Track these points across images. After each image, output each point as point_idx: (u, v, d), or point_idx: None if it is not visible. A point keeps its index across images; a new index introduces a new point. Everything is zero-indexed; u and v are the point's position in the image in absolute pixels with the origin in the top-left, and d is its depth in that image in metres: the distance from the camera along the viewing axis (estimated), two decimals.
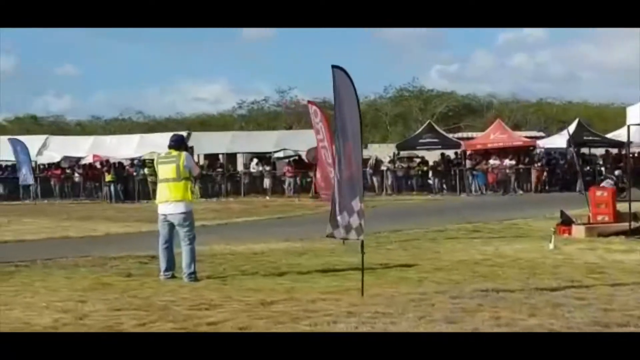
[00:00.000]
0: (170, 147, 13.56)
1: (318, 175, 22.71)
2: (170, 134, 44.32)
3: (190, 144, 46.28)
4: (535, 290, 11.36)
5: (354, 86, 12.02)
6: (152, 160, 48.07)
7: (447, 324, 9.24)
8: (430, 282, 12.47)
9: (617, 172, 41.00)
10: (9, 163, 49.41)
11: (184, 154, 13.40)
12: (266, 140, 50.24)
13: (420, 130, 50.80)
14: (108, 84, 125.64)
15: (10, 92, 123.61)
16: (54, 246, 19.95)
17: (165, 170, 13.35)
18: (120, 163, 49.11)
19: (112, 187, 46.43)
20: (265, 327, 9.25)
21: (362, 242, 11.73)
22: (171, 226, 13.38)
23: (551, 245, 16.57)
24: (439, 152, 48.71)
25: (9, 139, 46.22)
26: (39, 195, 46.75)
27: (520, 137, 49.27)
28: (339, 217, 12.22)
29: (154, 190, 44.60)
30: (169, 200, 13.28)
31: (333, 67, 12.14)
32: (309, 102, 21.03)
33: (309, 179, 46.51)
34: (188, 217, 13.33)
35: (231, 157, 51.31)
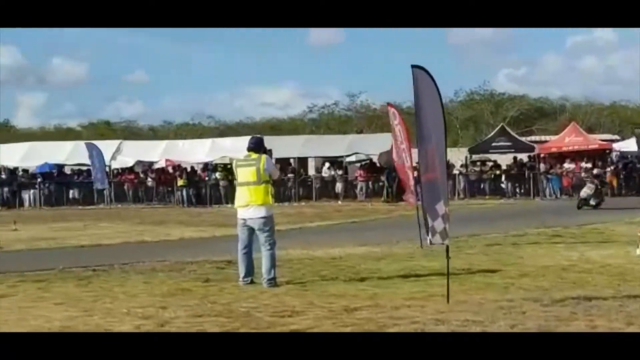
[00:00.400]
0: (249, 149, 13.32)
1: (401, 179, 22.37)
2: (241, 138, 44.32)
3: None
4: (629, 298, 10.94)
5: (436, 86, 11.69)
6: (225, 164, 48.43)
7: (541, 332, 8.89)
8: (517, 289, 12.07)
9: (596, 171, 39.96)
10: (84, 168, 49.83)
11: (264, 156, 13.16)
12: (338, 144, 50.05)
13: (492, 133, 50.16)
14: (178, 90, 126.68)
15: (83, 98, 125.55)
16: (131, 251, 19.91)
17: (245, 174, 13.09)
18: (192, 167, 49.22)
19: (184, 192, 46.63)
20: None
21: (448, 246, 11.39)
22: (251, 231, 13.14)
23: (638, 251, 16.04)
24: (511, 155, 48.02)
25: (85, 144, 46.61)
26: (113, 199, 47.07)
27: (596, 140, 48.45)
28: (425, 220, 11.94)
29: (226, 195, 45.82)
30: (249, 204, 13.02)
31: (413, 66, 11.80)
32: (388, 104, 20.71)
33: (380, 183, 46.21)
34: (269, 221, 13.09)
35: (303, 161, 51.22)
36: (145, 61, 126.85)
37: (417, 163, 12.27)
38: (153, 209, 42.75)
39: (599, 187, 33.72)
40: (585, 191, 33.12)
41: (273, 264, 12.98)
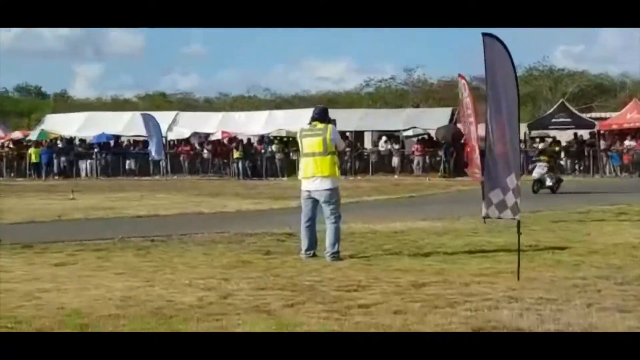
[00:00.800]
0: (314, 119, 12.97)
1: (467, 152, 22.00)
2: (298, 111, 44.41)
3: None
4: None
5: (509, 55, 11.28)
6: (281, 137, 48.25)
7: (619, 312, 8.50)
8: (588, 267, 11.64)
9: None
10: (140, 139, 49.91)
11: (330, 126, 12.82)
12: (395, 119, 49.64)
13: (552, 109, 49.40)
14: (234, 62, 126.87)
15: (139, 70, 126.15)
16: (188, 222, 19.77)
17: (310, 144, 12.75)
18: (248, 140, 49.06)
19: (240, 164, 46.50)
20: (421, 311, 8.65)
21: (519, 222, 11.02)
22: (315, 203, 12.83)
23: None
24: (570, 132, 47.28)
25: (142, 114, 46.67)
26: (169, 171, 47.10)
27: None
28: (491, 195, 11.58)
29: (282, 168, 45.63)
30: (315, 175, 12.68)
31: (484, 35, 11.39)
32: (459, 75, 20.24)
33: (437, 158, 45.80)
34: (334, 193, 12.77)
35: (359, 135, 50.85)
36: (202, 33, 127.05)
37: (485, 136, 11.87)
38: (209, 181, 42.70)
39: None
40: None
41: (337, 238, 12.68)
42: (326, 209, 12.73)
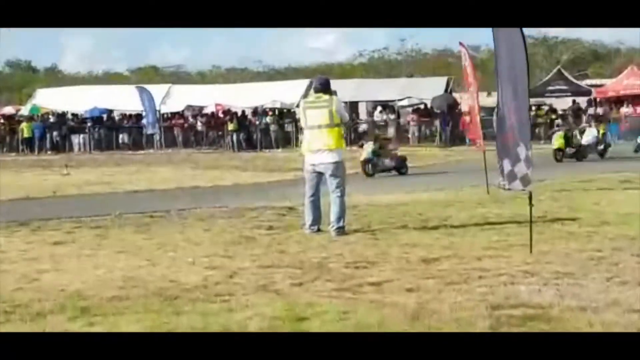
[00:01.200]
0: (317, 90, 12.57)
1: (468, 120, 21.66)
2: (291, 82, 44.02)
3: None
4: None
5: None
6: (275, 109, 47.82)
7: None
8: (601, 238, 11.30)
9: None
10: (133, 112, 49.47)
11: (335, 97, 12.43)
12: (390, 88, 49.27)
13: (548, 77, 49.00)
14: (224, 33, 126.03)
15: (129, 43, 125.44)
16: (185, 196, 19.41)
17: (315, 116, 12.31)
18: (242, 112, 48.59)
19: (234, 136, 46.11)
20: (436, 287, 8.35)
21: (531, 193, 10.71)
22: (320, 177, 12.45)
23: None
24: (566, 99, 46.88)
25: (136, 87, 46.28)
26: (163, 144, 46.69)
27: None
28: (502, 165, 11.30)
29: (276, 139, 45.26)
30: (321, 148, 12.26)
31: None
32: (460, 43, 19.88)
33: (433, 128, 45.50)
34: (340, 166, 12.38)
35: (354, 106, 50.37)
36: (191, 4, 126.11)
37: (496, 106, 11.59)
38: (203, 154, 42.27)
39: None
40: None
41: (343, 212, 12.32)
42: (332, 183, 12.36)
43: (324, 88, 12.53)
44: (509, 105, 11.34)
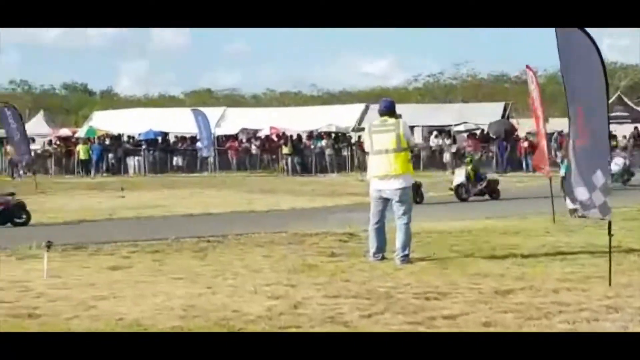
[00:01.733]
0: (383, 113, 12.14)
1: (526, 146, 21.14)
2: (346, 106, 43.60)
3: (370, 116, 45.27)
4: None
5: (590, 38, 10.36)
6: (330, 132, 47.44)
7: None
8: None
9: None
10: (188, 135, 49.41)
11: (401, 121, 12.01)
12: (446, 113, 48.77)
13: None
14: (277, 59, 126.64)
15: (184, 67, 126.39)
16: (241, 220, 19.09)
17: (382, 141, 11.87)
18: (298, 135, 48.33)
19: (289, 160, 45.82)
20: (515, 322, 7.86)
21: (610, 222, 10.17)
22: (386, 203, 12.01)
23: None
24: (627, 126, 46.00)
25: (192, 110, 46.23)
26: (217, 167, 46.49)
27: None
28: (576, 192, 10.74)
29: (331, 163, 44.86)
30: (388, 173, 11.81)
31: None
32: (527, 67, 19.34)
33: (490, 154, 44.86)
34: (408, 192, 11.97)
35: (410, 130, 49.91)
36: (243, 32, 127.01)
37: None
38: (258, 177, 42.00)
39: None
40: None
41: (409, 240, 11.87)
42: (398, 209, 11.91)
43: (389, 111, 12.12)
44: (584, 129, 10.80)
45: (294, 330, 7.70)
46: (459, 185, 24.91)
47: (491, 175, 26.85)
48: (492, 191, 25.09)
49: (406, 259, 11.73)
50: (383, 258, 11.98)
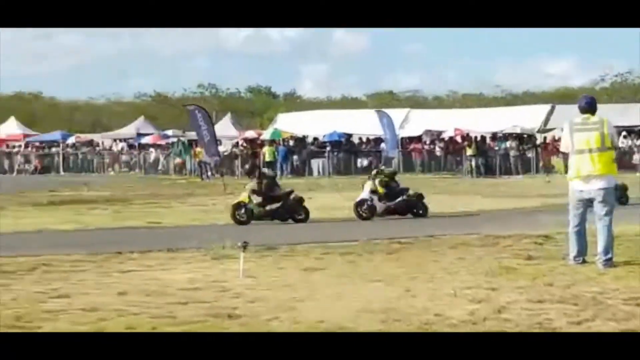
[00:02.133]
0: (584, 110, 11.63)
1: None
2: (531, 107, 42.68)
3: (555, 117, 44.27)
4: None
5: None
6: (515, 134, 46.65)
7: None
8: None
9: None
10: (372, 136, 49.59)
11: (606, 119, 11.51)
12: (636, 113, 47.15)
13: None
14: (459, 60, 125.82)
15: (364, 69, 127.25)
16: (431, 221, 18.96)
17: (584, 140, 11.38)
18: (482, 137, 47.77)
19: (473, 161, 45.35)
20: None
21: None
22: (587, 205, 11.55)
23: None
24: None
25: (377, 111, 46.43)
26: (401, 169, 46.36)
27: None
28: None
29: (516, 165, 44.09)
30: (591, 174, 11.33)
31: None
32: None
33: None
34: (611, 193, 11.45)
35: None
36: (425, 31, 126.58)
37: None
38: (441, 179, 41.65)
39: None
40: None
41: (611, 242, 11.38)
42: (600, 210, 11.43)
43: (591, 108, 11.64)
44: None
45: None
46: None
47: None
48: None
49: (609, 262, 11.25)
50: (584, 262, 11.53)
